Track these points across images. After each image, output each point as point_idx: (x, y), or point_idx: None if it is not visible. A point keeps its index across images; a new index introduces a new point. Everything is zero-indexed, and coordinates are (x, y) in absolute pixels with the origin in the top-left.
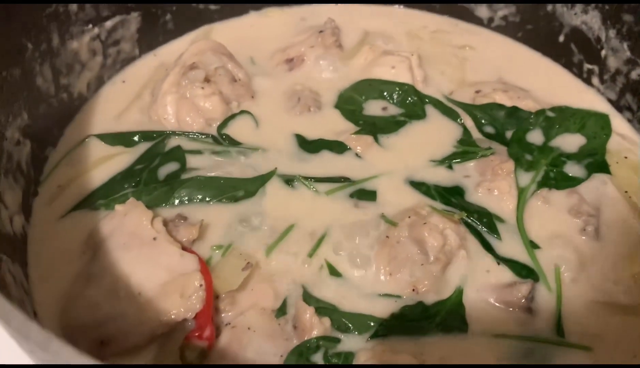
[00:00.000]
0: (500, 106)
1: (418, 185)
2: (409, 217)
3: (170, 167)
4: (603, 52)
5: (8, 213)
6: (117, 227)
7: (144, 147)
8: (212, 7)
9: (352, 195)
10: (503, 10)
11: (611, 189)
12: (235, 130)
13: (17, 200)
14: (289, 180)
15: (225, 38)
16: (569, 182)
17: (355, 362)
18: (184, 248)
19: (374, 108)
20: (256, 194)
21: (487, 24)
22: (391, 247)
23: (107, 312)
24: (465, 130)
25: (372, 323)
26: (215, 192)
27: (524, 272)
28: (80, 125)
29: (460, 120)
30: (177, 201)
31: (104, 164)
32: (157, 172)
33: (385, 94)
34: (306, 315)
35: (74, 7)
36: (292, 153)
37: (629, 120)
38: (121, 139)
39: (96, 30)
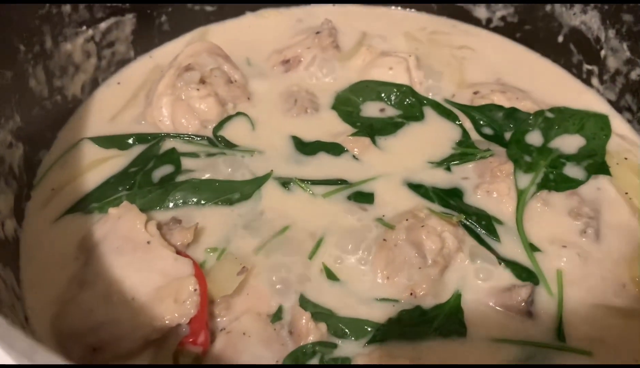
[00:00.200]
0: (499, 107)
1: (416, 188)
2: (407, 219)
3: (165, 169)
4: (602, 53)
5: (0, 217)
6: (111, 231)
7: (138, 149)
8: (208, 8)
9: (349, 198)
10: (501, 10)
11: (611, 191)
12: (231, 132)
13: (9, 204)
14: (285, 183)
15: (221, 39)
16: (569, 184)
17: None
18: (178, 252)
19: (371, 109)
20: (252, 197)
21: (486, 24)
22: (389, 250)
23: (100, 317)
24: (464, 132)
25: (369, 328)
26: (210, 195)
27: (524, 275)
28: (74, 128)
29: (459, 121)
30: (171, 204)
31: (98, 166)
32: (151, 174)
33: (382, 95)
34: (302, 320)
35: (67, 8)
36: (289, 155)
37: (629, 121)
38: (115, 141)
39: (90, 32)
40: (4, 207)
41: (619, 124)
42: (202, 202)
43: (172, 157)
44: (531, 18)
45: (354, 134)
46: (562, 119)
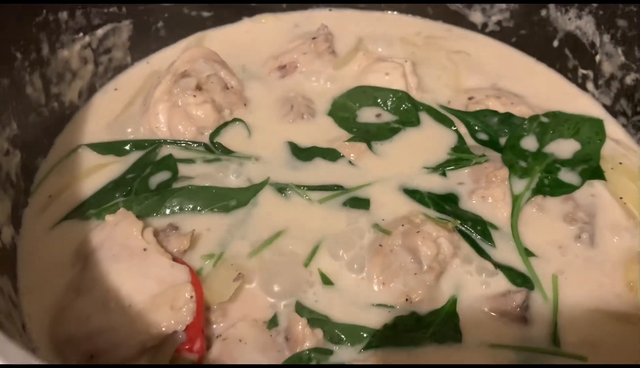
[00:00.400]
0: (494, 112)
1: (412, 193)
2: (403, 225)
3: (162, 176)
4: (597, 57)
5: None
6: (107, 238)
7: (135, 156)
8: (205, 13)
9: (345, 204)
10: (497, 15)
11: (606, 195)
12: (228, 138)
13: (6, 211)
14: (281, 189)
15: (218, 45)
16: (564, 189)
17: None
18: (174, 259)
19: (367, 115)
20: (248, 204)
21: (481, 29)
22: (384, 256)
23: (97, 324)
24: (459, 137)
25: (365, 335)
26: (206, 202)
27: (519, 280)
28: (71, 134)
29: (454, 127)
30: (168, 211)
31: (95, 173)
32: (148, 181)
33: (379, 100)
34: (298, 326)
35: (64, 15)
36: (285, 161)
37: (624, 126)
38: (112, 148)
39: (87, 38)
40: (0, 214)
41: (613, 128)
42: (199, 208)
43: (169, 163)
44: (527, 23)
45: (350, 140)
46: (557, 123)
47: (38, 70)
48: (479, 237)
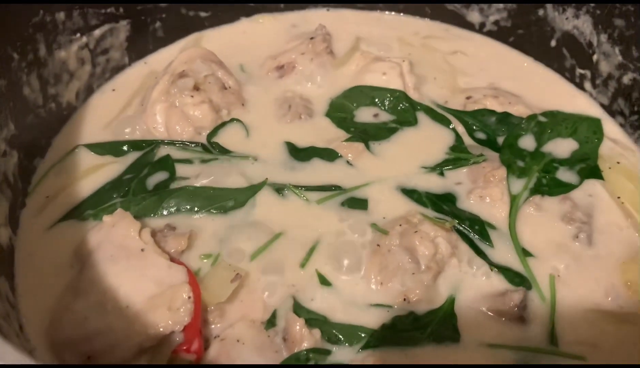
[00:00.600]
0: (491, 112)
1: (409, 193)
2: (400, 225)
3: (159, 176)
4: (595, 57)
5: None
6: (105, 239)
7: (133, 156)
8: (203, 14)
9: (343, 204)
10: (495, 15)
11: (604, 195)
12: (225, 138)
13: (3, 212)
14: (279, 189)
15: (215, 45)
16: (562, 189)
17: None
18: (172, 260)
19: (365, 115)
20: (246, 204)
21: (479, 29)
22: (382, 256)
23: (94, 325)
24: (457, 137)
25: (363, 334)
26: (204, 202)
27: (517, 279)
28: (69, 135)
29: (452, 126)
30: (165, 211)
31: (93, 174)
32: (146, 181)
33: (376, 100)
34: (296, 326)
35: (61, 16)
36: (283, 161)
37: (621, 125)
38: (110, 148)
39: (84, 39)
40: None
41: (611, 127)
42: (196, 209)
43: (167, 163)
44: (524, 22)
45: (348, 140)
46: (554, 123)
47: (35, 71)
48: (476, 236)
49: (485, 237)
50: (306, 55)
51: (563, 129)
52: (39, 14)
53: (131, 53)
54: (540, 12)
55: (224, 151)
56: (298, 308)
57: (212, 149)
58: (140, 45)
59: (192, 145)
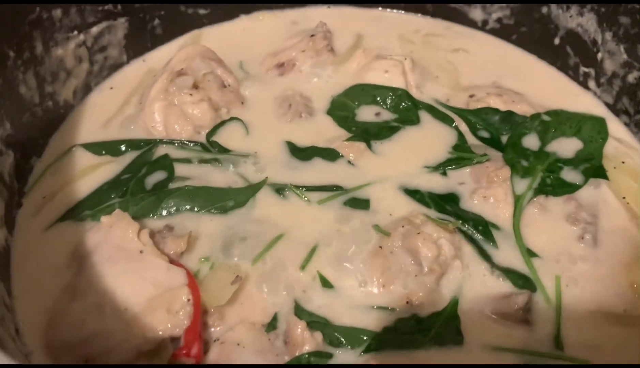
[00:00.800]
0: (495, 110)
1: (412, 193)
2: (403, 226)
3: (158, 176)
4: (599, 55)
5: None
6: (103, 240)
7: (131, 156)
8: (202, 11)
9: (344, 204)
10: (497, 12)
11: (609, 195)
12: (225, 137)
13: None
14: (279, 189)
15: (214, 42)
16: (566, 189)
17: None
18: (171, 261)
19: (366, 114)
20: (246, 204)
21: (482, 26)
22: (384, 258)
23: (92, 328)
24: (460, 136)
25: (365, 337)
26: (204, 203)
27: (521, 281)
28: (66, 134)
29: (455, 125)
30: (164, 211)
31: (91, 173)
32: (144, 181)
33: (378, 99)
34: (297, 329)
35: (58, 13)
36: (283, 161)
37: (626, 124)
38: (108, 147)
39: (82, 36)
40: None
41: (616, 127)
42: (196, 209)
43: (165, 163)
44: (527, 20)
45: (349, 139)
46: (558, 122)
47: (32, 68)
48: (480, 237)
49: (489, 238)
50: (307, 52)
51: (567, 128)
52: (35, 11)
53: (129, 51)
54: (544, 9)
55: (224, 150)
56: (299, 311)
57: (211, 148)
58: (139, 43)
59: (191, 144)
